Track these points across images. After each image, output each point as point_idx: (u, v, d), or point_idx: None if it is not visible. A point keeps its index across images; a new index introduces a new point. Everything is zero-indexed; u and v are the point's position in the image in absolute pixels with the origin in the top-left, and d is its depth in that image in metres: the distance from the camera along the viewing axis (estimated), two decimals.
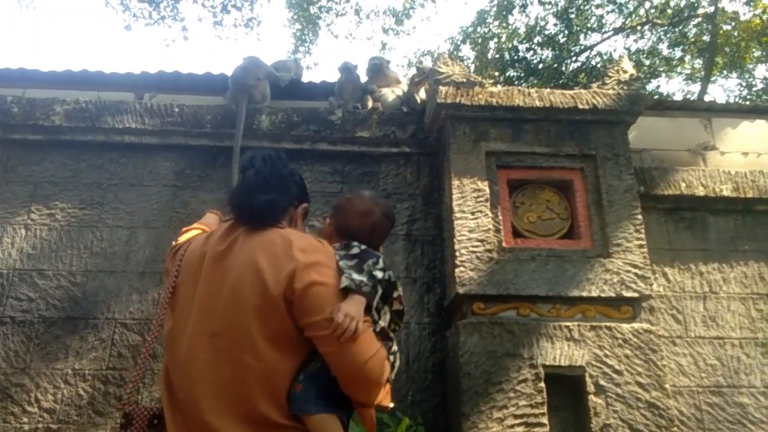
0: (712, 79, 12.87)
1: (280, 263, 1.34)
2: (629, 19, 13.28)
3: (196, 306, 1.39)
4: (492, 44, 13.70)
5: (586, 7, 13.08)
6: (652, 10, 12.65)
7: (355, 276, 1.40)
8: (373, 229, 1.65)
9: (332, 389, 1.35)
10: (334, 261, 1.43)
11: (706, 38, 12.13)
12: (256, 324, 1.31)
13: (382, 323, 1.51)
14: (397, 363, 1.54)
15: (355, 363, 1.31)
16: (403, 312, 1.62)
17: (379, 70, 4.50)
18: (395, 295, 1.58)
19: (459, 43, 14.03)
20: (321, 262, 1.38)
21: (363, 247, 1.56)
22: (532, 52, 13.03)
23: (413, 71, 4.52)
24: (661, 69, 13.80)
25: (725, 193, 3.95)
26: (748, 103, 10.49)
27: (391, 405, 1.50)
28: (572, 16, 12.74)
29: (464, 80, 3.73)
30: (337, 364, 1.32)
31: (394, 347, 1.52)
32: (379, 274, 1.46)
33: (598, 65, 12.66)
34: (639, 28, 13.19)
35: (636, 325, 3.23)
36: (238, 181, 1.54)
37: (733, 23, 11.52)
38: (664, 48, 13.63)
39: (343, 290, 1.36)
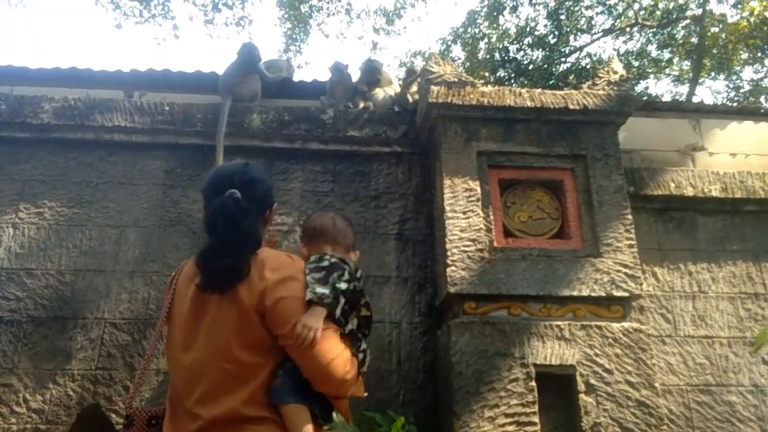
0: (700, 80, 12.98)
1: (254, 283, 1.54)
2: (618, 21, 13.37)
3: (186, 324, 1.61)
4: (482, 45, 13.75)
5: (576, 9, 13.16)
6: (641, 12, 12.74)
7: (318, 289, 1.58)
8: (334, 223, 1.95)
9: (307, 384, 1.54)
10: (302, 274, 1.62)
11: (694, 40, 12.24)
12: (234, 338, 1.52)
13: (350, 327, 1.69)
14: (368, 359, 1.74)
15: (317, 366, 1.51)
16: (371, 317, 1.81)
17: (372, 70, 4.49)
18: (362, 302, 1.76)
19: (450, 43, 14.07)
20: (289, 277, 1.58)
21: (334, 259, 1.73)
22: (522, 53, 13.08)
23: (404, 71, 4.51)
24: (650, 70, 13.91)
25: (714, 193, 3.99)
26: (735, 104, 10.59)
27: (365, 394, 1.75)
28: (562, 17, 12.80)
29: (456, 80, 3.73)
30: (304, 366, 1.53)
31: (363, 346, 1.72)
32: (342, 286, 1.64)
33: (588, 66, 12.74)
34: (628, 29, 13.28)
35: (626, 324, 3.25)
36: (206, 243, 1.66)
37: (720, 25, 11.62)
38: (652, 49, 13.74)
39: (308, 302, 1.55)
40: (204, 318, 1.58)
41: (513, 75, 12.49)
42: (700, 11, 11.39)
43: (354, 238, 2.01)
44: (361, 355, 1.68)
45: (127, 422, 1.66)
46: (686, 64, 13.56)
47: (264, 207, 1.75)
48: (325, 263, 1.70)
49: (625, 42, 13.93)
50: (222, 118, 3.87)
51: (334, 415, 1.69)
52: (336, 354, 1.54)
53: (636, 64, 13.57)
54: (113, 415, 3.30)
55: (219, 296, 1.56)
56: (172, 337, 1.67)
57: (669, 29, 12.89)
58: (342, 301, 1.62)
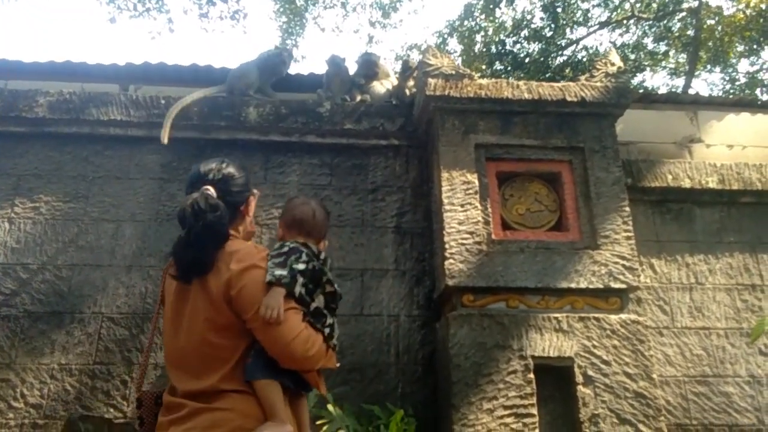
0: (696, 73, 12.98)
1: (221, 273, 1.68)
2: (615, 13, 13.36)
3: (172, 314, 1.78)
4: (479, 38, 13.73)
5: (573, 1, 13.13)
6: (638, 5, 12.72)
7: (277, 272, 1.71)
8: (314, 214, 2.03)
9: (276, 362, 1.69)
10: (264, 262, 1.74)
11: (690, 33, 12.24)
12: (207, 324, 1.67)
13: (316, 304, 1.82)
14: (336, 332, 1.86)
15: (279, 344, 1.66)
16: (335, 292, 1.93)
17: (369, 63, 4.47)
18: (324, 279, 1.89)
19: (446, 36, 14.04)
20: (252, 266, 1.71)
21: (293, 245, 1.86)
22: (518, 46, 13.06)
23: (400, 64, 4.49)
24: (646, 63, 13.91)
25: (711, 185, 3.99)
26: (732, 96, 10.59)
27: (337, 365, 1.88)
28: (559, 9, 12.77)
29: (453, 72, 3.72)
30: (268, 347, 1.67)
31: (329, 320, 1.83)
32: (300, 266, 1.77)
33: (584, 59, 12.73)
34: (624, 22, 13.28)
35: (624, 316, 3.26)
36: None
37: (716, 18, 11.62)
38: (649, 42, 13.75)
39: (268, 284, 1.68)
40: (185, 307, 1.73)
41: (510, 68, 12.47)
42: (696, 3, 11.38)
43: (327, 229, 2.13)
44: (327, 330, 1.80)
45: (138, 404, 1.87)
46: (682, 57, 13.57)
47: (238, 201, 1.89)
48: (285, 249, 1.83)
49: (621, 35, 13.94)
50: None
51: (330, 407, 1.96)
52: (296, 333, 1.67)
53: (632, 56, 13.57)
54: (111, 410, 3.29)
55: (196, 286, 1.71)
56: (164, 328, 1.83)
57: (665, 22, 12.89)
58: (300, 280, 1.75)
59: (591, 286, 3.27)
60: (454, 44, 14.04)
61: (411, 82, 4.24)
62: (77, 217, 3.72)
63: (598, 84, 3.75)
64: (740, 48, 12.39)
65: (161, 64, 4.61)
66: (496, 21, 13.65)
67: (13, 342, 3.41)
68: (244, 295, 1.66)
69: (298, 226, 1.99)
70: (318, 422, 2.94)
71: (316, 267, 1.86)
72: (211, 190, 1.77)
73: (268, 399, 1.65)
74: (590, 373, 3.10)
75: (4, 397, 3.29)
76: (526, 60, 12.69)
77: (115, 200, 3.78)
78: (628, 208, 3.50)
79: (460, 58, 13.16)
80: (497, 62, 12.73)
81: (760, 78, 13.44)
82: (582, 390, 3.07)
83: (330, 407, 3.01)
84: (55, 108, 3.86)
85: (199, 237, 1.71)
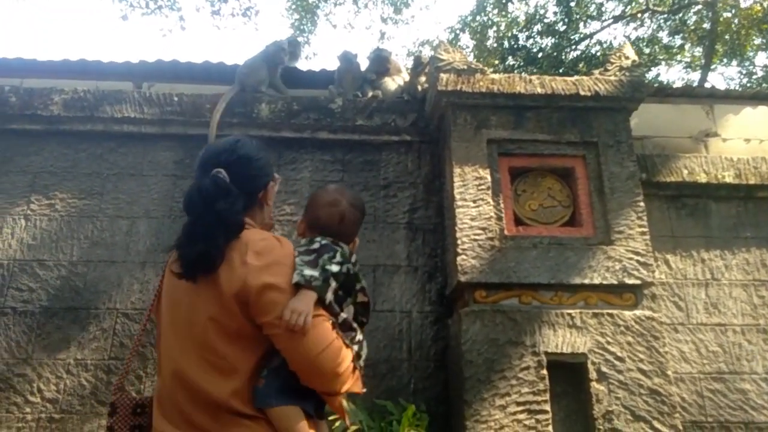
0: (712, 67, 12.82)
1: (234, 269, 1.39)
2: (629, 7, 13.20)
3: (169, 314, 1.51)
4: (491, 33, 13.63)
5: None
6: None
7: (307, 272, 1.43)
8: (342, 220, 1.68)
9: (295, 383, 1.40)
10: (290, 259, 1.46)
11: (706, 26, 12.07)
12: (213, 328, 1.39)
13: (345, 315, 1.53)
14: (364, 351, 1.56)
15: (307, 357, 1.37)
16: (368, 303, 1.64)
17: (380, 59, 4.47)
18: (358, 287, 1.61)
19: (458, 32, 13.95)
20: (275, 263, 1.42)
21: (324, 241, 1.58)
22: (531, 41, 12.96)
23: (412, 60, 4.48)
24: (661, 57, 13.74)
25: (727, 179, 3.94)
26: (749, 90, 10.45)
27: (363, 390, 1.56)
28: (572, 3, 12.65)
29: (465, 67, 3.70)
30: (291, 358, 1.38)
31: (358, 336, 1.55)
32: (334, 268, 1.49)
33: (598, 54, 12.59)
34: (639, 15, 13.12)
35: (638, 312, 3.23)
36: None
37: (733, 10, 11.46)
38: (664, 36, 13.57)
39: (295, 286, 1.40)
40: (184, 306, 1.46)
41: (522, 63, 12.38)
42: None
43: (360, 227, 1.79)
44: (356, 347, 1.51)
45: (111, 410, 1.56)
46: (698, 51, 13.39)
47: (256, 187, 1.59)
48: (316, 245, 1.55)
49: (635, 28, 13.78)
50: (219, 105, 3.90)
51: (344, 403, 1.55)
52: (327, 344, 1.39)
53: (647, 50, 13.41)
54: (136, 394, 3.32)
55: (202, 283, 1.43)
56: (158, 328, 1.58)
57: (680, 15, 12.72)
58: (333, 284, 1.48)
59: (605, 282, 3.24)
60: (466, 40, 13.96)
61: (423, 78, 4.23)
62: (92, 213, 3.76)
63: (612, 78, 3.71)
64: (757, 41, 12.21)
65: (174, 61, 4.63)
66: (509, 16, 13.56)
67: (29, 338, 3.45)
68: (267, 295, 1.37)
69: (321, 230, 1.66)
70: (330, 417, 2.95)
71: (351, 271, 1.58)
72: (224, 173, 1.49)
73: (286, 431, 1.36)
74: (604, 369, 3.08)
75: (21, 392, 3.33)
76: (540, 55, 12.59)
77: (130, 197, 3.81)
78: (642, 204, 3.46)
79: (472, 54, 13.09)
80: (510, 57, 12.64)
81: None
82: (596, 386, 3.05)
83: (343, 402, 3.01)
84: (69, 106, 3.89)
85: (207, 227, 1.44)
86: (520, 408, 3.00)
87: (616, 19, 13.27)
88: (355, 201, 1.74)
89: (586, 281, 3.24)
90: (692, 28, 12.76)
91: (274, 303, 1.37)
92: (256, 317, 1.38)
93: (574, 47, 13.13)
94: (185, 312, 1.45)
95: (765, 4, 10.65)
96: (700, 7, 12.14)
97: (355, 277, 1.60)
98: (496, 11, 13.54)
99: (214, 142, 1.65)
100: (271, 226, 1.73)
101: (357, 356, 1.50)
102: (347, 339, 1.48)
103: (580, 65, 12.33)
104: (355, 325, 1.56)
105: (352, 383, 1.48)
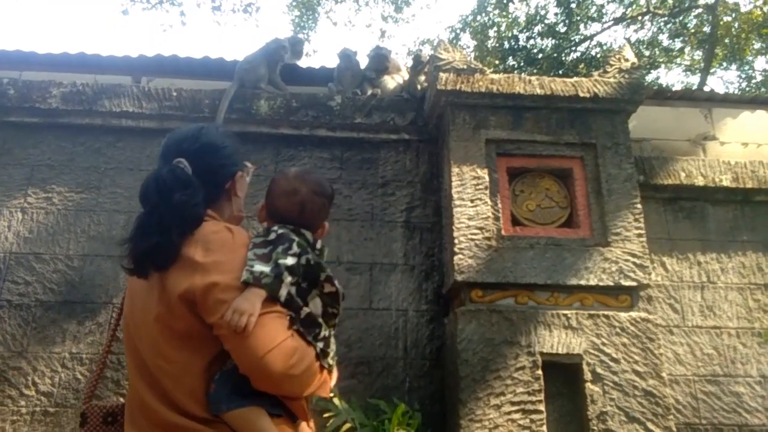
0: (712, 70, 12.84)
1: (185, 266, 1.31)
2: (630, 9, 13.21)
3: (131, 316, 1.43)
4: (492, 33, 13.62)
5: None
6: (653, 1, 12.59)
7: (257, 267, 1.31)
8: (302, 209, 1.51)
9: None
10: (242, 253, 1.35)
11: (706, 29, 12.09)
12: (161, 329, 1.31)
13: (309, 309, 1.41)
14: (332, 348, 1.45)
15: (251, 358, 1.25)
16: (337, 293, 1.49)
17: (380, 57, 4.46)
18: (323, 277, 1.47)
19: (459, 31, 13.94)
20: (224, 258, 1.32)
21: (282, 231, 1.44)
22: (532, 42, 12.96)
23: (412, 59, 4.48)
24: (661, 60, 13.75)
25: (724, 183, 3.95)
26: (747, 94, 10.47)
27: (331, 395, 1.45)
28: (573, 5, 12.66)
29: (465, 67, 3.70)
30: (238, 360, 1.27)
31: (323, 333, 1.41)
32: (289, 261, 1.36)
33: (598, 55, 12.60)
34: (639, 18, 13.12)
35: (634, 313, 3.23)
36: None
37: (733, 15, 11.47)
38: (664, 39, 13.58)
39: (244, 283, 1.29)
40: (138, 308, 1.39)
41: (522, 64, 12.37)
42: (712, 0, 11.23)
43: (327, 213, 1.61)
44: (320, 344, 1.37)
45: (82, 420, 1.50)
46: (698, 54, 13.41)
47: (221, 177, 1.50)
48: (272, 236, 1.42)
49: (636, 31, 13.78)
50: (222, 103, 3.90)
51: (336, 400, 1.44)
52: (275, 344, 1.26)
53: (647, 53, 13.42)
54: (122, 399, 3.31)
55: (155, 280, 1.34)
56: (125, 331, 1.48)
57: (681, 18, 12.73)
58: (288, 279, 1.34)
59: (601, 284, 3.25)
60: (466, 39, 13.96)
61: (422, 77, 4.23)
62: (89, 207, 3.75)
63: (612, 80, 3.72)
64: (757, 45, 12.24)
65: (173, 56, 4.62)
66: (510, 16, 13.56)
67: (25, 331, 3.45)
68: (212, 295, 1.27)
69: (280, 219, 1.51)
70: (325, 415, 2.95)
71: (312, 261, 1.43)
72: (184, 163, 1.40)
73: None
74: (599, 370, 3.09)
75: (16, 385, 3.33)
76: (539, 56, 12.59)
77: (127, 191, 3.80)
78: (639, 206, 3.47)
79: (472, 54, 13.08)
80: (510, 58, 12.63)
81: None
82: (590, 387, 3.06)
83: (336, 400, 3.02)
84: (68, 99, 3.89)
85: (161, 220, 1.34)
86: (515, 408, 3.01)
87: (617, 21, 13.27)
88: (317, 187, 1.57)
89: (583, 282, 3.24)
90: (692, 31, 12.78)
91: (220, 302, 1.26)
92: (204, 317, 1.28)
93: (574, 48, 13.13)
94: (139, 314, 1.37)
95: (765, 9, 10.66)
96: (700, 10, 12.15)
97: (318, 267, 1.45)
98: (496, 11, 13.54)
99: (177, 129, 1.54)
100: (241, 219, 1.61)
101: (322, 354, 1.39)
102: (310, 336, 1.36)
103: (580, 67, 12.34)
104: (320, 320, 1.43)
105: (318, 386, 1.37)
